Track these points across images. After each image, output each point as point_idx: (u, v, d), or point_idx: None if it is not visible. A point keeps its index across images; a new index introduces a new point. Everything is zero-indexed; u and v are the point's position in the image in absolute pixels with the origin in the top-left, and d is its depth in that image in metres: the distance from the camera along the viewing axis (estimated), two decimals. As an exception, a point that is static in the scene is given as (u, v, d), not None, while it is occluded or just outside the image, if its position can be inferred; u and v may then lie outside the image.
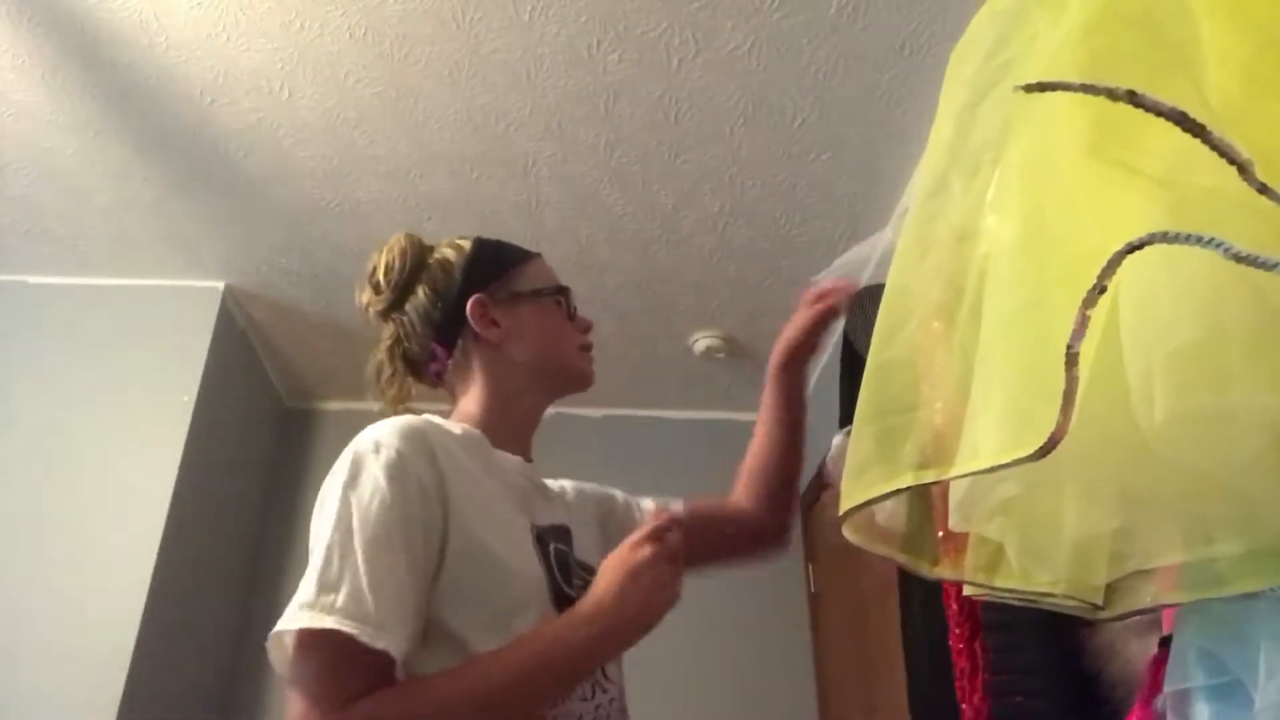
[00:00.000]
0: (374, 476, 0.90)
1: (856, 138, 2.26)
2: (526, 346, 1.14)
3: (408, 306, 1.16)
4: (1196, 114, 0.43)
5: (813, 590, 3.38)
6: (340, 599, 0.83)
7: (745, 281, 2.84)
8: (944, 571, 0.66)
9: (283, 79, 2.13)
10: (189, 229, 2.67)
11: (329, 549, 0.87)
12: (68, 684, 2.34)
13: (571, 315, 1.20)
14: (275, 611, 0.85)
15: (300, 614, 0.83)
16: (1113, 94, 0.46)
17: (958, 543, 0.64)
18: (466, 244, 1.19)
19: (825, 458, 1.36)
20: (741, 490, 1.33)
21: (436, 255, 1.18)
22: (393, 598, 0.85)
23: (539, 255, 1.23)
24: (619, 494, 1.28)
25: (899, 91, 2.11)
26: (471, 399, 1.13)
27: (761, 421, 1.35)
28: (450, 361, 1.15)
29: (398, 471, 0.91)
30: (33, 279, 2.88)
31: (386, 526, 0.88)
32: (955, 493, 0.60)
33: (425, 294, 1.15)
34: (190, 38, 2.02)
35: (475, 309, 1.13)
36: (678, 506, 1.22)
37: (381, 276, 1.16)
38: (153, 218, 2.63)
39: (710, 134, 2.26)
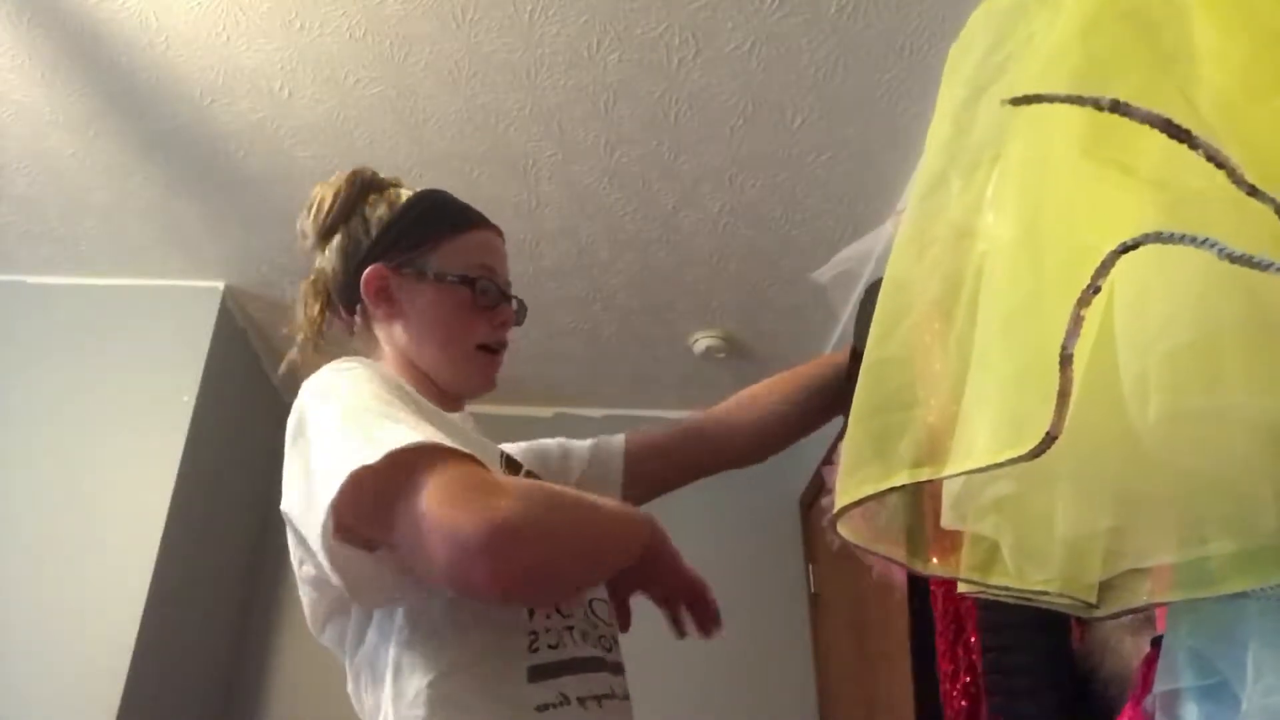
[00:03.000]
0: (351, 380, 0.85)
1: (856, 138, 2.26)
2: (415, 336, 1.02)
3: (321, 260, 1.08)
4: (1183, 119, 0.43)
5: (813, 590, 3.39)
6: (399, 433, 0.74)
7: (745, 281, 2.84)
8: (938, 569, 0.66)
9: (283, 79, 2.13)
10: (189, 229, 2.67)
11: (345, 426, 0.77)
12: (67, 684, 2.34)
13: (493, 306, 1.04)
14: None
15: (368, 449, 0.72)
16: (1099, 104, 0.46)
17: (951, 541, 0.64)
18: (406, 200, 1.07)
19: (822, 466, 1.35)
20: (772, 388, 1.26)
21: (367, 209, 1.07)
22: (434, 431, 0.77)
23: (478, 227, 1.07)
24: (553, 443, 1.18)
25: (899, 91, 2.11)
26: (387, 366, 1.01)
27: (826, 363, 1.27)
28: (355, 325, 1.07)
29: (372, 375, 0.87)
30: (32, 279, 2.88)
31: (388, 400, 0.81)
32: (949, 491, 0.60)
33: (340, 249, 1.06)
34: (190, 38, 2.02)
35: (371, 279, 1.02)
36: (619, 439, 1.18)
37: (310, 220, 1.08)
38: (153, 218, 2.63)
39: (710, 134, 2.26)
